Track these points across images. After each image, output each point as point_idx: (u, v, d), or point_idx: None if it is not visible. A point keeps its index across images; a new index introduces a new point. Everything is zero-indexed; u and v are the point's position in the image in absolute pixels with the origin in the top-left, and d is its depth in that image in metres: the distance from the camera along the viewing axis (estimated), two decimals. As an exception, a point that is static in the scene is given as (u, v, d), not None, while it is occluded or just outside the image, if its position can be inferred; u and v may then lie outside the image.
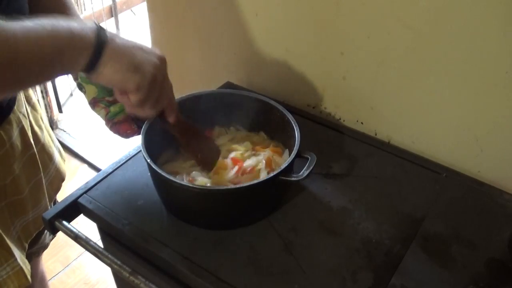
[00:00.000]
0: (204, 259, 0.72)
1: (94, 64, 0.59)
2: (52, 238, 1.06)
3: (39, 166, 0.90)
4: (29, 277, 0.86)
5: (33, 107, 0.92)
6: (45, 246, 1.07)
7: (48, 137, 0.96)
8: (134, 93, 0.63)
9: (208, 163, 0.82)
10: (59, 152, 1.02)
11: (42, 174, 0.92)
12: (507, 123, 0.83)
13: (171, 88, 0.72)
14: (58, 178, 1.00)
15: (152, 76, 0.63)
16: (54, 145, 0.99)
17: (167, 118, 0.74)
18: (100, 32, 0.59)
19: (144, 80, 0.63)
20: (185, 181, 0.79)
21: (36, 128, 0.91)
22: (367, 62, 0.94)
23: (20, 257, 0.86)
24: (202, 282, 0.69)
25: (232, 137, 0.92)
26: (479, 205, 0.83)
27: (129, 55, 0.62)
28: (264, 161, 0.83)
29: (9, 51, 0.52)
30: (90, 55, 0.58)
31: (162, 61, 0.66)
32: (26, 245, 0.90)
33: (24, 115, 0.86)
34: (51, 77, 0.62)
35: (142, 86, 0.63)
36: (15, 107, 0.83)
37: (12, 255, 0.83)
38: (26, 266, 0.86)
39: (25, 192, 0.87)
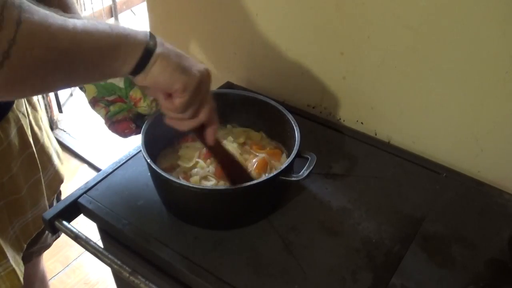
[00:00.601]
0: (204, 259, 0.72)
1: (145, 62, 0.60)
2: (56, 238, 1.06)
3: (37, 165, 0.90)
4: (21, 279, 0.85)
5: (33, 107, 0.92)
6: (47, 246, 1.06)
7: (47, 138, 0.96)
8: (180, 94, 0.63)
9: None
10: (57, 154, 1.02)
11: (41, 174, 0.92)
12: (507, 123, 0.83)
13: (213, 106, 0.69)
14: (56, 180, 1.00)
15: (199, 80, 0.64)
16: (53, 146, 0.99)
17: (206, 138, 0.72)
18: (151, 34, 0.62)
19: (191, 82, 0.63)
20: (184, 181, 0.79)
21: (35, 128, 0.91)
22: (367, 62, 0.94)
23: (13, 258, 0.85)
24: (202, 282, 0.69)
25: (225, 132, 0.91)
26: (479, 205, 0.83)
27: (178, 58, 0.63)
28: (255, 161, 0.82)
29: (69, 39, 0.52)
30: (142, 53, 0.60)
31: (208, 72, 0.66)
32: (25, 246, 0.90)
33: (23, 114, 0.86)
34: (101, 75, 0.62)
35: (188, 87, 0.63)
36: (14, 106, 0.83)
37: (4, 256, 0.83)
38: (19, 267, 0.86)
39: (23, 191, 0.87)
